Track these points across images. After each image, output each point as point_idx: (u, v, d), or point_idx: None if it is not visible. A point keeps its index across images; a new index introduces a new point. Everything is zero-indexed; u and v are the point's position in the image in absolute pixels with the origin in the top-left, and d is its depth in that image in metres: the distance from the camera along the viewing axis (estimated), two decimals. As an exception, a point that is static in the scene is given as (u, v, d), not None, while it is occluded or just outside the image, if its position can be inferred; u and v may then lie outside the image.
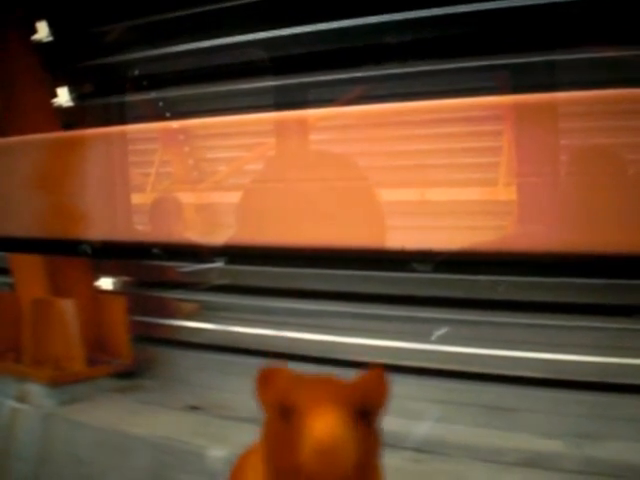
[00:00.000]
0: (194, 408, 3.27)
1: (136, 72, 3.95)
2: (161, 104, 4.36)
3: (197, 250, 3.94)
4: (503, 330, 2.99)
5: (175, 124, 4.82)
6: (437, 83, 3.36)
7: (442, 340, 3.05)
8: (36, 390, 3.44)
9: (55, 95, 3.76)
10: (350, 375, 1.42)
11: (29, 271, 3.75)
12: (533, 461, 2.52)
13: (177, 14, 3.38)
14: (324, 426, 1.26)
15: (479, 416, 2.81)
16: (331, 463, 1.25)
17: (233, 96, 3.86)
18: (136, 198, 4.42)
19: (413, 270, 2.96)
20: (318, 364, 2.90)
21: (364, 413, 1.33)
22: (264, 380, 1.46)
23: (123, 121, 4.03)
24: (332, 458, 1.25)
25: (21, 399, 3.45)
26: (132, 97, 4.04)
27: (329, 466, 1.26)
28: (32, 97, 3.68)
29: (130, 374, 3.67)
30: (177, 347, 3.70)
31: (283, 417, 1.33)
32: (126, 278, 3.95)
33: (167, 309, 3.97)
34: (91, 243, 3.60)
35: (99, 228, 3.73)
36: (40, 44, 3.69)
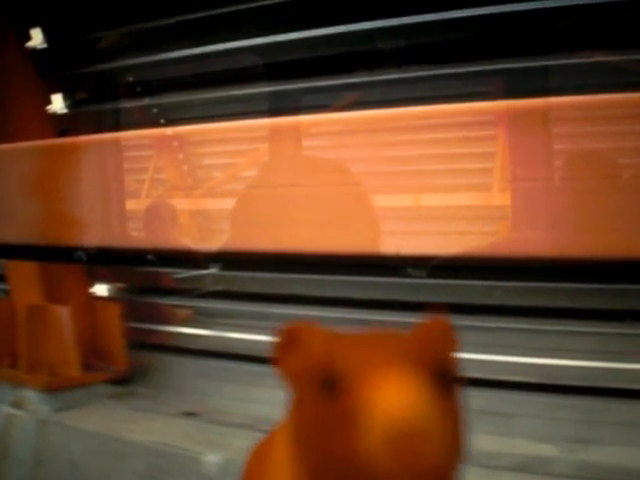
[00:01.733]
0: (189, 414, 3.27)
1: (130, 79, 3.95)
2: (155, 110, 4.36)
3: (192, 256, 3.95)
4: (497, 335, 2.99)
5: (169, 130, 4.82)
6: (431, 89, 3.37)
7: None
8: (31, 396, 3.43)
9: (49, 102, 3.76)
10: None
11: (24, 277, 3.75)
12: (526, 466, 2.52)
13: (171, 21, 3.38)
14: (398, 396, 0.81)
15: (472, 421, 2.81)
16: (415, 453, 0.80)
17: (227, 102, 3.86)
18: (130, 204, 4.41)
19: (408, 275, 2.96)
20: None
21: (442, 374, 0.90)
22: (290, 342, 1.00)
23: (117, 128, 4.04)
24: (416, 445, 0.80)
25: (16, 405, 3.45)
26: (126, 104, 4.04)
27: (411, 457, 0.80)
28: (26, 104, 3.68)
29: (125, 380, 3.67)
30: (172, 353, 3.69)
31: (325, 390, 0.88)
32: (121, 284, 3.94)
33: (162, 315, 3.97)
34: (86, 249, 3.60)
35: (94, 235, 3.74)
36: (34, 51, 3.69)
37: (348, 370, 0.87)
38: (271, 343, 1.01)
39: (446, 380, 0.91)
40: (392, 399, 0.81)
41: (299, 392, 0.95)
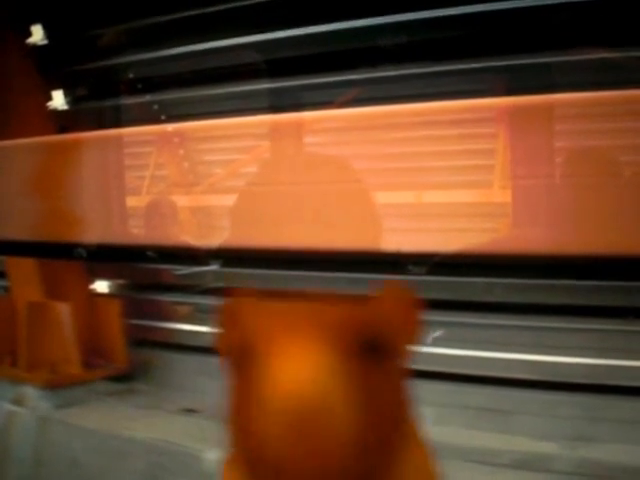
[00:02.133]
0: (190, 411, 3.27)
1: (131, 75, 3.95)
2: (156, 107, 4.35)
3: (192, 253, 3.94)
4: (498, 332, 2.99)
5: (170, 127, 4.81)
6: (432, 86, 3.36)
7: (437, 342, 3.05)
8: (32, 393, 3.43)
9: (50, 98, 3.76)
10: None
11: (24, 274, 3.75)
12: (526, 463, 2.52)
13: (172, 17, 3.38)
14: (294, 367, 0.74)
15: (472, 418, 2.81)
16: (315, 434, 0.72)
17: (228, 99, 3.86)
18: (131, 201, 4.41)
19: (408, 272, 2.96)
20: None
21: (373, 347, 0.81)
22: (227, 319, 0.92)
23: (118, 124, 4.03)
24: (317, 426, 0.72)
25: (17, 402, 3.45)
26: (127, 100, 4.04)
27: (312, 439, 0.72)
28: (27, 100, 3.68)
29: (125, 377, 3.67)
30: (173, 350, 3.69)
31: (241, 364, 0.82)
32: (121, 281, 3.94)
33: (162, 312, 3.96)
34: (86, 246, 3.60)
35: (94, 231, 3.73)
36: (35, 47, 3.69)
37: (258, 342, 0.80)
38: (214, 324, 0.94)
39: (377, 352, 0.81)
40: (290, 374, 0.73)
41: (231, 363, 0.86)
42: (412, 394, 0.87)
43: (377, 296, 0.91)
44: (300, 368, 0.74)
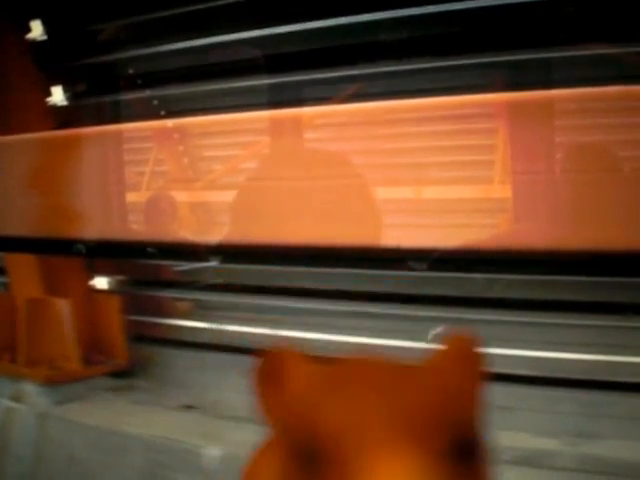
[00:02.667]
0: (189, 407, 3.27)
1: (130, 70, 3.94)
2: (156, 102, 4.34)
3: (192, 249, 3.94)
4: (498, 328, 2.98)
5: (170, 122, 4.81)
6: (432, 81, 3.36)
7: (438, 338, 3.05)
8: (31, 389, 3.43)
9: (49, 94, 3.75)
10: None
11: (24, 270, 3.74)
12: (528, 459, 2.52)
13: (171, 12, 3.37)
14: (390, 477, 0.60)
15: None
16: None
17: (228, 94, 3.85)
18: (131, 197, 4.41)
19: (408, 268, 2.96)
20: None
21: (463, 444, 0.67)
22: (270, 373, 0.81)
23: (118, 120, 4.03)
24: None
25: (16, 399, 3.45)
26: (126, 96, 4.03)
27: None
28: (26, 96, 3.68)
29: (125, 373, 3.66)
30: (172, 346, 3.69)
31: (305, 458, 0.68)
32: (121, 277, 3.94)
33: (162, 308, 3.96)
34: (86, 242, 3.59)
35: (94, 227, 3.73)
36: (34, 43, 3.68)
37: (332, 438, 0.66)
38: (250, 371, 0.86)
39: (467, 450, 0.68)
40: None
41: (279, 438, 0.77)
42: None
43: (447, 359, 0.78)
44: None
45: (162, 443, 2.90)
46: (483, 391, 0.76)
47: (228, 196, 3.93)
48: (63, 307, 3.59)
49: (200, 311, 3.91)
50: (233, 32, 3.36)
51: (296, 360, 0.80)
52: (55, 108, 3.77)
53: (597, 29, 2.71)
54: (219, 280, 3.77)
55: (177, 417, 3.18)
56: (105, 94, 3.94)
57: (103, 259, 3.95)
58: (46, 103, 3.75)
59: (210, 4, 3.26)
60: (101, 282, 3.90)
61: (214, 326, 3.64)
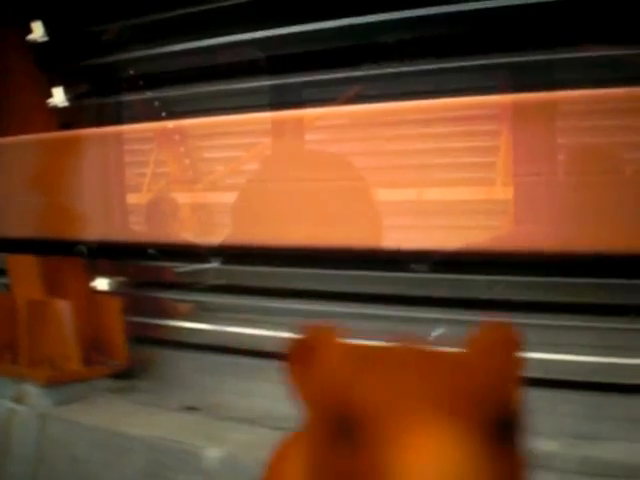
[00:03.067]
0: (190, 408, 3.26)
1: (132, 72, 3.94)
2: (157, 104, 4.35)
3: (193, 250, 3.94)
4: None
5: (171, 124, 4.81)
6: (434, 82, 3.36)
7: (439, 340, 3.05)
8: (32, 390, 3.43)
9: (50, 95, 3.75)
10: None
11: (25, 271, 3.74)
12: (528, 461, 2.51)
13: (173, 13, 3.37)
14: (435, 464, 0.60)
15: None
16: None
17: (229, 96, 3.85)
18: (132, 198, 4.41)
19: (410, 270, 2.96)
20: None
21: (503, 422, 0.67)
22: (304, 355, 0.80)
23: (119, 121, 4.03)
24: None
25: (17, 399, 3.44)
26: (128, 97, 4.03)
27: None
28: (27, 97, 3.68)
29: (126, 374, 3.66)
30: (173, 348, 3.69)
31: (342, 434, 0.67)
32: (122, 278, 3.94)
33: (163, 310, 3.96)
34: (87, 243, 3.59)
35: (95, 228, 3.73)
36: (35, 44, 3.68)
37: (369, 413, 0.65)
38: (283, 351, 0.85)
39: (507, 429, 0.68)
40: (427, 467, 0.60)
41: (313, 421, 0.75)
42: None
43: (486, 343, 0.78)
44: (439, 463, 0.60)
45: (163, 444, 2.90)
46: (521, 376, 0.77)
47: (229, 197, 3.93)
48: (64, 308, 3.59)
49: (201, 312, 3.91)
50: (235, 33, 3.35)
51: (332, 338, 0.79)
52: (56, 109, 3.77)
53: (600, 31, 2.70)
54: (220, 281, 3.77)
55: (178, 418, 3.18)
56: (106, 95, 3.94)
57: (104, 260, 3.95)
58: (47, 104, 3.75)
59: (211, 5, 3.26)
60: (102, 283, 3.90)
61: (215, 327, 3.64)
